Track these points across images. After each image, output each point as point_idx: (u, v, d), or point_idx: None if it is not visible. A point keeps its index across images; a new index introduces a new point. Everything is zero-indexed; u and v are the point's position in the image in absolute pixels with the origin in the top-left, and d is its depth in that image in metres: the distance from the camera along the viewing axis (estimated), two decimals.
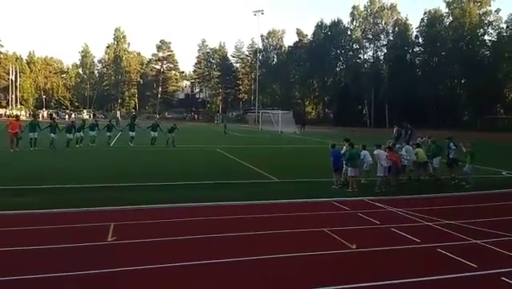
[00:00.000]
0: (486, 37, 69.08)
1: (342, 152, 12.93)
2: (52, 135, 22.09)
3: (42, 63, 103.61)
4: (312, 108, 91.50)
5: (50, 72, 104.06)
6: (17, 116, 23.50)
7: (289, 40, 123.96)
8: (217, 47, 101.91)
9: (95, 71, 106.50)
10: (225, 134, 40.10)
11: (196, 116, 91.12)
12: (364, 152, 13.35)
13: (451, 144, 14.77)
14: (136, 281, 5.85)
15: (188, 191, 12.06)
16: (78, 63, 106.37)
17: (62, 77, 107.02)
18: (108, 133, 25.03)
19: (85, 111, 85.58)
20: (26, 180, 12.93)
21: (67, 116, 78.37)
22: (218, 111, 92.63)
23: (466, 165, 13.78)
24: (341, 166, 12.90)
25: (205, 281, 5.89)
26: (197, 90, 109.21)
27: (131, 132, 25.18)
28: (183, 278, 5.98)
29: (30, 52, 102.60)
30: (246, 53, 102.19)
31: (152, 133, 25.13)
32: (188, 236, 7.77)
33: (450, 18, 70.57)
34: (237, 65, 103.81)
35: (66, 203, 9.91)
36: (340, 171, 12.99)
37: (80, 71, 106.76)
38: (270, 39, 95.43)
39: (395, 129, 27.11)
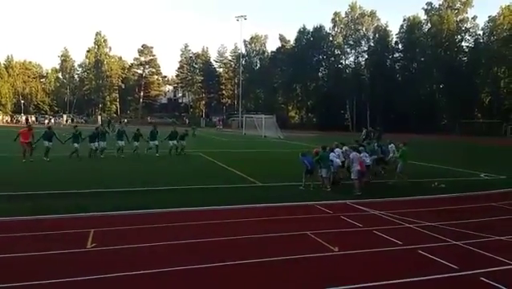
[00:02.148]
0: (464, 43, 70.90)
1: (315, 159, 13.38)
2: (75, 145, 19.98)
3: (20, 67, 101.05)
4: (295, 113, 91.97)
5: (28, 77, 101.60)
6: (29, 126, 21.13)
7: (272, 45, 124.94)
8: (200, 52, 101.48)
9: (76, 76, 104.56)
10: (193, 136, 40.48)
11: (187, 120, 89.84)
12: (332, 155, 13.78)
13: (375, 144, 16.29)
14: (117, 288, 5.73)
15: (171, 196, 11.95)
16: (57, 67, 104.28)
17: (41, 81, 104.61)
18: (135, 143, 22.54)
19: (65, 116, 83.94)
20: (3, 186, 12.55)
21: (46, 121, 76.71)
22: (202, 116, 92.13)
23: (399, 164, 14.52)
24: (315, 169, 13.32)
25: (187, 286, 5.82)
26: (180, 94, 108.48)
27: (152, 142, 22.82)
28: (164, 285, 5.89)
29: (8, 56, 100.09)
30: (229, 58, 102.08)
31: (171, 142, 23.30)
32: (170, 241, 7.67)
33: (429, 24, 72.15)
34: (221, 70, 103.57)
35: (45, 209, 9.68)
36: (313, 173, 13.34)
37: (60, 75, 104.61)
38: (252, 44, 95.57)
39: (364, 131, 28.31)
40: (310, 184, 13.28)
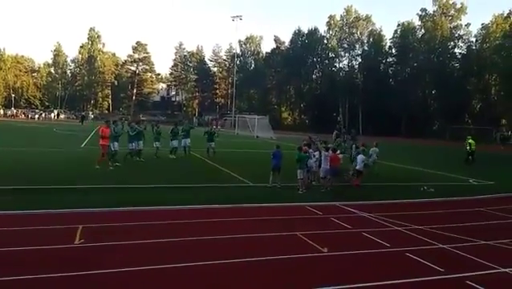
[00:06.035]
0: (456, 50, 71.54)
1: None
2: (157, 143, 19.63)
3: (12, 60, 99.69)
4: (288, 114, 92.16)
5: (20, 71, 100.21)
6: (107, 121, 17.41)
7: (266, 46, 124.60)
8: (195, 51, 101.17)
9: (68, 71, 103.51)
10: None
11: (193, 119, 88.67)
12: (310, 161, 14.13)
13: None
14: (104, 284, 5.70)
15: (160, 194, 11.88)
16: (50, 62, 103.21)
17: (32, 76, 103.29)
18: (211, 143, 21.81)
19: (56, 111, 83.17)
20: None
21: (36, 116, 75.88)
22: (195, 115, 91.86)
23: (353, 163, 15.54)
24: (278, 167, 13.60)
25: (174, 285, 5.80)
26: (173, 93, 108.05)
27: (211, 143, 22.18)
28: (151, 282, 5.86)
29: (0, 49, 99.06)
30: (224, 57, 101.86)
31: (209, 144, 22.23)
32: (158, 239, 7.64)
33: (422, 30, 72.74)
34: (215, 69, 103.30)
35: (36, 204, 9.57)
36: (278, 171, 13.63)
37: (52, 70, 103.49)
38: (247, 45, 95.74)
39: (334, 133, 29.38)
40: (277, 184, 13.49)
